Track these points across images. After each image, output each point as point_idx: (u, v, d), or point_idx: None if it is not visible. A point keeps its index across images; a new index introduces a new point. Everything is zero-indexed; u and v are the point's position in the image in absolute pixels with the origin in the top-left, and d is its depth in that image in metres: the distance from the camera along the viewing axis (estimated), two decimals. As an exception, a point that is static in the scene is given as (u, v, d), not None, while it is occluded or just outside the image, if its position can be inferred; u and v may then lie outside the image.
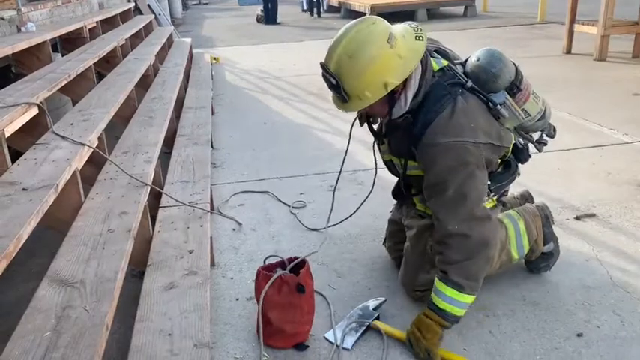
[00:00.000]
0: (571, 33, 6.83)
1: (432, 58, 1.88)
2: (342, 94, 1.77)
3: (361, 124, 2.12)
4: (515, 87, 1.91)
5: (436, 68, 1.87)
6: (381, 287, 2.19)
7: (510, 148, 2.04)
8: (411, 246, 2.11)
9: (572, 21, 6.79)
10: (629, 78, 5.49)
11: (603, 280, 2.17)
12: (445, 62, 1.90)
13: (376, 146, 2.17)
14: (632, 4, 6.66)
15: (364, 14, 9.48)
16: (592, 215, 2.68)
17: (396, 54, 1.72)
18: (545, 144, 2.14)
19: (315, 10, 13.35)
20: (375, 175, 2.41)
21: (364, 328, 1.93)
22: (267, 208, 2.97)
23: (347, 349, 1.85)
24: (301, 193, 3.12)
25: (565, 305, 2.03)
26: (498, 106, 1.87)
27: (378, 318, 1.97)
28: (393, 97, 1.81)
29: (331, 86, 1.78)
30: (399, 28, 1.80)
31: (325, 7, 13.91)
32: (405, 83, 1.79)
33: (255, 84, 6.16)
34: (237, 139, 4.19)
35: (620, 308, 2.00)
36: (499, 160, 2.02)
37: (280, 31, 10.77)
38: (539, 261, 2.20)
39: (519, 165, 2.10)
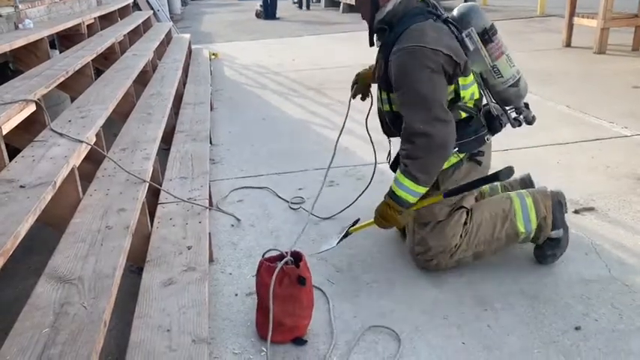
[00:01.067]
0: (571, 26, 6.81)
1: None
2: None
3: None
4: (486, 34, 2.16)
5: None
6: (380, 282, 2.19)
7: (473, 98, 2.17)
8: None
9: (572, 14, 6.77)
10: (629, 71, 5.47)
11: (602, 274, 2.17)
12: None
13: (375, 103, 2.38)
14: (631, -3, 6.64)
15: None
16: (591, 209, 2.68)
17: None
18: (520, 124, 2.30)
19: (305, 2, 13.87)
20: (375, 163, 2.40)
21: (343, 233, 2.30)
22: (266, 203, 2.97)
23: (334, 247, 2.26)
24: (300, 189, 3.11)
25: (563, 299, 2.03)
26: (463, 35, 2.12)
27: (353, 225, 2.33)
28: (377, 4, 2.10)
29: None
30: None
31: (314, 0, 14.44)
32: None
33: (254, 79, 6.15)
34: (236, 135, 4.19)
35: (619, 301, 2.00)
36: (461, 112, 2.14)
37: (279, 27, 10.74)
38: (547, 248, 2.21)
39: (491, 135, 2.23)
